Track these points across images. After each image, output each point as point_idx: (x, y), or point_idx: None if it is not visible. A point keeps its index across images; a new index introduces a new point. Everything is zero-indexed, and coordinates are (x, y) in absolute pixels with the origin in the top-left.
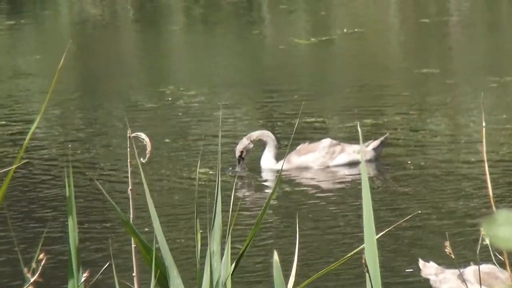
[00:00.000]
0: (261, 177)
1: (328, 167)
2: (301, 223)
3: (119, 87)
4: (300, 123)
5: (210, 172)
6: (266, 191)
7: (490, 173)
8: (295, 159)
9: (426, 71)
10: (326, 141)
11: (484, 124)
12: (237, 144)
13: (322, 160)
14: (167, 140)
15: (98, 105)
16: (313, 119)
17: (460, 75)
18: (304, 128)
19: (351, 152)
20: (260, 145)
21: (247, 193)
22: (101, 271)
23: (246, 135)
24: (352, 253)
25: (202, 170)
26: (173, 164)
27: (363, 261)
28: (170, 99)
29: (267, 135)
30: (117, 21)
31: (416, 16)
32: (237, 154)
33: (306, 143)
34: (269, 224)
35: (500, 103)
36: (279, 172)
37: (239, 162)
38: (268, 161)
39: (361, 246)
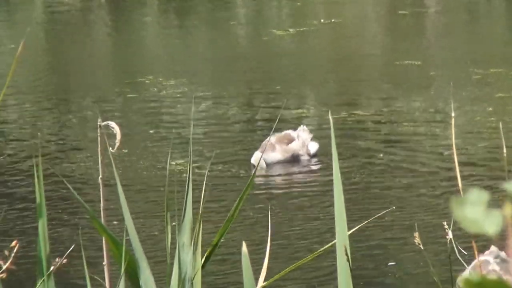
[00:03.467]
0: (247, 171)
1: (309, 155)
2: (278, 216)
3: (95, 77)
4: (277, 113)
5: (192, 164)
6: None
7: (465, 165)
8: (285, 147)
9: (408, 63)
10: (293, 132)
11: (453, 115)
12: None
13: (304, 149)
14: (146, 131)
15: (71, 95)
16: (291, 110)
17: (443, 67)
18: (281, 118)
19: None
20: (249, 142)
21: (224, 186)
22: (66, 254)
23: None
24: (323, 248)
25: (180, 161)
26: (150, 155)
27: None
28: (154, 89)
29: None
30: (91, 11)
31: (394, 8)
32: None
33: (270, 137)
34: (243, 217)
35: (484, 95)
36: (264, 167)
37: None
38: (258, 158)
39: (333, 242)
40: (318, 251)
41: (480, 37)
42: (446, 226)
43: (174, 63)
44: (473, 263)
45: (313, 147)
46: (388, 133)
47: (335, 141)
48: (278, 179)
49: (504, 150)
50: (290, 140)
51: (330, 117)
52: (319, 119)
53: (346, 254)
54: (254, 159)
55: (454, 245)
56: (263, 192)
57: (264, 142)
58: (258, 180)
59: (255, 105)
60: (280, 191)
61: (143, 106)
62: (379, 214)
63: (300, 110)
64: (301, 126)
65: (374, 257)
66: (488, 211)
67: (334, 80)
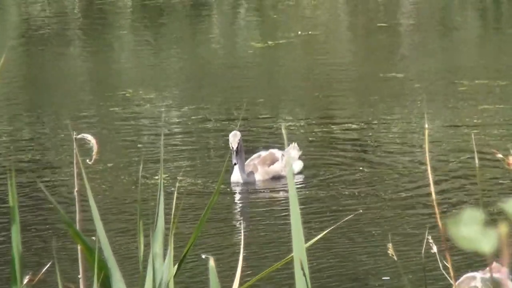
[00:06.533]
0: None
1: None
2: (254, 231)
3: (74, 91)
4: (255, 127)
5: (167, 176)
6: (225, 198)
7: (444, 179)
8: (266, 169)
9: (391, 76)
10: (278, 152)
11: (427, 126)
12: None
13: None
14: (129, 144)
15: (50, 109)
16: (269, 124)
17: (426, 80)
18: (259, 132)
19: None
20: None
21: (197, 200)
22: (43, 270)
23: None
24: (282, 261)
25: (159, 174)
26: (129, 168)
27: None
28: (135, 102)
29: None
30: (65, 24)
31: (373, 20)
32: (234, 147)
33: (257, 155)
34: (215, 229)
35: (469, 107)
36: (246, 185)
37: (236, 154)
38: (238, 176)
39: (290, 256)
40: (275, 265)
41: (461, 49)
42: (431, 240)
43: (155, 77)
44: (461, 278)
45: (297, 166)
46: (367, 146)
47: (315, 153)
48: (257, 198)
49: (476, 162)
50: (273, 160)
51: (284, 130)
52: (301, 131)
53: (302, 269)
54: (233, 178)
55: (438, 259)
56: (242, 209)
57: (246, 162)
58: (237, 197)
59: (236, 118)
60: (260, 209)
61: (124, 118)
62: (338, 224)
63: (279, 124)
64: (292, 143)
65: (365, 272)
66: (484, 230)
67: (314, 92)
